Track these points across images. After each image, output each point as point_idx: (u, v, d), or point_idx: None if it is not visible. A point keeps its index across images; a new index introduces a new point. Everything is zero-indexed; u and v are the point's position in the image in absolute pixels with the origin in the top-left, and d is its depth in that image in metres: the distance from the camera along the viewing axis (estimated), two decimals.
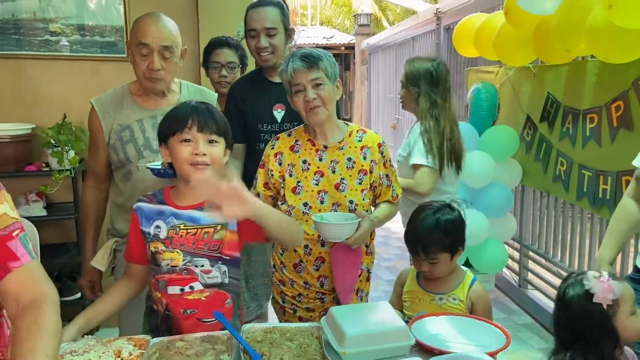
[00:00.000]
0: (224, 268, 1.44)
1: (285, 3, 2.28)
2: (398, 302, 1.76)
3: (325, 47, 10.08)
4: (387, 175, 1.82)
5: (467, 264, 3.54)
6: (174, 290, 1.43)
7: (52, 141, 2.72)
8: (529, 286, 3.68)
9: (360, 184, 1.76)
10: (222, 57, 2.63)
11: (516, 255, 3.81)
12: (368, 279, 1.91)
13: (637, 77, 2.36)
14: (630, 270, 1.83)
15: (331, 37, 10.65)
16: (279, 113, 2.19)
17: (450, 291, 1.65)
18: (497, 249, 3.39)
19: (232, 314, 1.47)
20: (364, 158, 1.78)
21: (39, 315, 1.02)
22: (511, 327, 3.30)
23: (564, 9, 2.48)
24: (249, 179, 1.87)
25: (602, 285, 1.29)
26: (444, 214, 1.69)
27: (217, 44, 2.67)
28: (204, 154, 1.40)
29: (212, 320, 1.42)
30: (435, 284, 1.68)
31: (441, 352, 1.31)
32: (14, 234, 1.10)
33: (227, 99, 2.28)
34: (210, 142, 1.42)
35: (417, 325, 1.47)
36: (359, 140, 1.80)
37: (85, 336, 1.37)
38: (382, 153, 1.81)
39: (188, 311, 1.42)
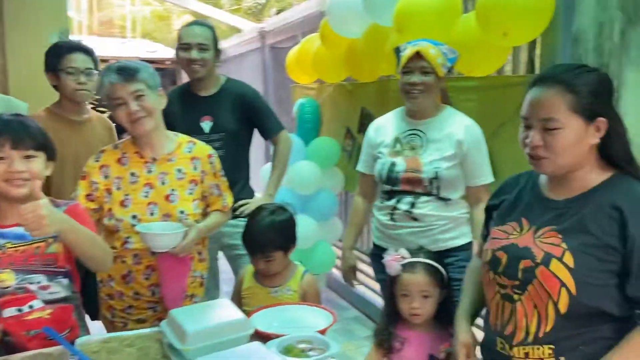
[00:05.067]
0: (66, 281, 1.39)
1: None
2: (239, 300, 1.85)
3: (149, 61, 9.76)
4: (217, 185, 1.89)
5: None
6: (10, 312, 1.34)
7: None
8: (356, 283, 4.03)
9: (191, 194, 1.81)
10: (79, 62, 2.44)
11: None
12: (202, 285, 1.95)
13: None
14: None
15: (154, 52, 10.32)
16: (206, 124, 2.39)
17: (285, 283, 1.81)
18: (326, 250, 3.68)
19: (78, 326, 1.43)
20: (195, 169, 1.83)
21: None
22: (341, 321, 3.59)
23: (368, 34, 2.85)
24: None
25: (388, 260, 1.55)
26: (277, 215, 1.84)
27: (70, 48, 2.44)
28: (22, 171, 1.34)
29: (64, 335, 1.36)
30: (271, 278, 1.81)
31: (277, 336, 1.44)
32: None
33: None
34: (28, 157, 1.37)
35: (256, 316, 1.59)
36: (189, 152, 1.85)
37: None
38: (211, 163, 1.87)
39: (32, 332, 1.35)
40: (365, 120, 3.49)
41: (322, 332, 1.49)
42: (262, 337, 1.47)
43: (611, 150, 1.19)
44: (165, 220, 1.76)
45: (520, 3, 1.98)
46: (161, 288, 1.77)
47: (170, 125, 2.24)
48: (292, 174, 3.55)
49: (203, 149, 1.89)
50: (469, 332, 1.40)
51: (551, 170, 1.21)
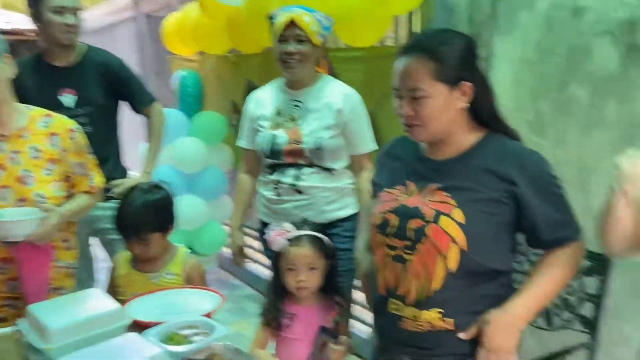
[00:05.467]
0: None
1: None
2: (114, 289, 1.70)
3: (8, 33, 8.69)
4: (82, 164, 1.70)
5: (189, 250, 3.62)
6: None
7: None
8: (249, 261, 3.97)
9: (49, 174, 1.61)
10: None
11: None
12: (71, 275, 1.76)
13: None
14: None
15: (13, 22, 9.23)
16: (68, 98, 2.17)
17: (165, 267, 1.68)
18: (216, 230, 3.55)
19: None
20: (53, 146, 1.63)
21: None
22: (235, 300, 3.52)
23: (250, 2, 2.72)
24: None
25: (272, 236, 1.51)
26: (152, 194, 1.69)
27: None
28: None
29: None
30: (149, 263, 1.68)
31: (157, 324, 1.33)
32: None
33: None
34: None
35: (133, 305, 1.45)
36: (45, 126, 1.64)
37: None
38: (73, 139, 1.67)
39: None
40: (248, 93, 3.38)
41: (209, 315, 1.40)
42: (141, 327, 1.35)
43: (480, 111, 1.23)
44: (20, 206, 1.55)
45: None
46: (21, 282, 1.56)
47: (24, 100, 2.01)
48: (176, 151, 3.36)
49: (63, 123, 1.68)
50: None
51: (424, 137, 1.23)
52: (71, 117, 1.89)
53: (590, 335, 1.62)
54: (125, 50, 5.23)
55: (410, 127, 1.20)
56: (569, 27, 1.77)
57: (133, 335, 1.26)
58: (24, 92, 2.03)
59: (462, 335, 1.18)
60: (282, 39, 1.85)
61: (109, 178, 2.04)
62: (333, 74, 2.60)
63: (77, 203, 1.68)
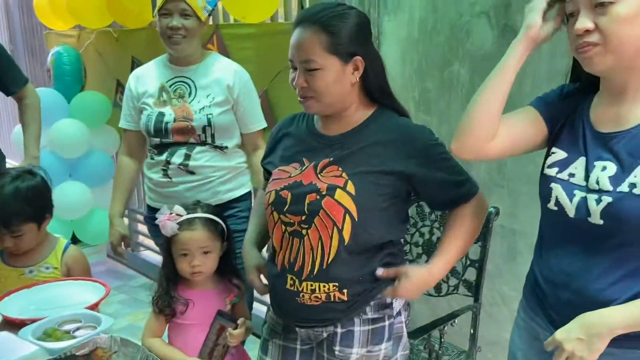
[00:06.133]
0: None
1: None
2: None
3: None
4: None
5: (75, 238, 3.38)
6: None
7: None
8: (141, 248, 3.79)
9: None
10: None
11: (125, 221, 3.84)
12: None
13: None
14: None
15: None
16: None
17: (42, 261, 1.54)
18: (104, 218, 3.32)
19: None
20: None
21: None
22: (128, 290, 3.35)
23: None
24: None
25: (162, 220, 1.44)
26: (24, 180, 1.53)
27: None
28: None
29: None
30: (23, 257, 1.53)
31: (33, 321, 1.21)
32: None
33: None
34: None
35: (4, 303, 1.31)
36: None
37: None
38: None
39: None
40: None
41: (93, 307, 1.30)
42: (15, 325, 1.22)
43: (371, 87, 1.25)
44: None
45: None
46: None
47: None
48: (54, 134, 3.09)
49: None
50: (259, 257, 1.41)
51: (318, 109, 1.23)
52: None
53: (474, 298, 1.74)
54: None
55: (305, 98, 1.20)
56: (450, 8, 1.85)
57: (5, 335, 1.14)
58: None
59: (379, 271, 1.22)
60: (166, 12, 1.75)
61: None
62: (225, 51, 2.54)
63: None
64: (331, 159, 1.22)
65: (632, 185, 0.93)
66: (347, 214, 1.17)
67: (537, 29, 1.03)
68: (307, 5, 2.25)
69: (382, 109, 1.26)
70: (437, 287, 1.84)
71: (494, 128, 1.09)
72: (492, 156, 1.14)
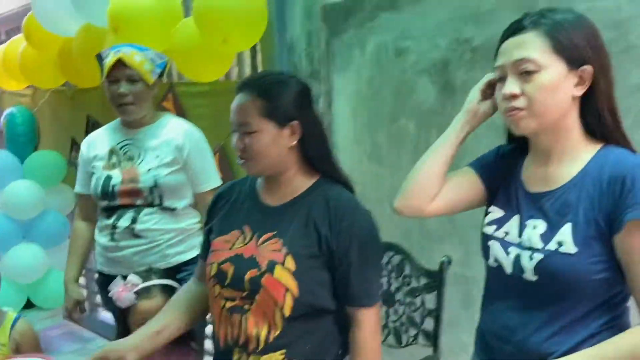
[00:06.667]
0: None
1: None
2: None
3: None
4: None
5: (29, 303, 3.27)
6: None
7: None
8: (99, 309, 3.67)
9: None
10: None
11: (82, 281, 3.73)
12: None
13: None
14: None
15: None
16: None
17: None
18: (59, 280, 3.22)
19: None
20: None
21: None
22: (87, 353, 3.22)
23: (83, 33, 2.56)
24: None
25: (117, 292, 1.42)
26: None
27: None
28: None
29: None
30: None
31: None
32: None
33: None
34: None
35: None
36: None
37: None
38: None
39: None
40: (92, 130, 3.16)
41: None
42: None
43: (309, 152, 1.27)
44: None
45: (236, 10, 2.01)
46: None
47: None
48: (7, 196, 3.03)
49: None
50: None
51: (256, 170, 1.26)
52: None
53: (433, 348, 1.75)
54: None
55: (244, 160, 1.24)
56: (394, 66, 1.94)
57: None
58: None
59: None
60: (112, 80, 1.77)
61: None
62: (180, 108, 2.56)
63: None
64: (273, 231, 1.23)
65: (559, 244, 0.98)
66: (287, 292, 1.18)
67: (474, 104, 1.12)
68: (259, 63, 2.32)
69: (324, 180, 1.28)
70: (398, 338, 1.84)
71: (435, 192, 1.14)
72: (431, 215, 1.19)
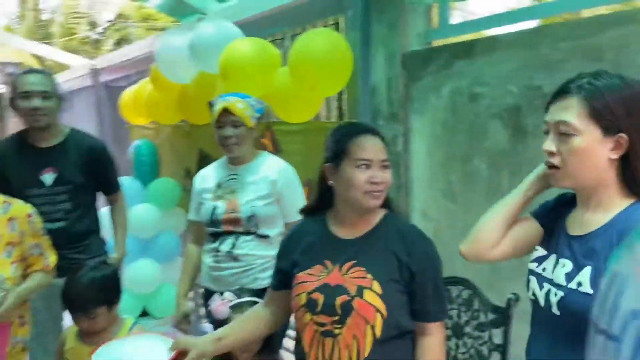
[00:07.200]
0: None
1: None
2: None
3: None
4: (38, 245, 1.86)
5: (144, 312, 3.70)
6: None
7: None
8: (204, 320, 4.04)
9: (9, 257, 1.75)
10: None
11: (190, 294, 4.14)
12: (24, 350, 1.88)
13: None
14: None
15: None
16: (48, 177, 2.29)
17: (111, 339, 1.80)
18: (170, 292, 3.64)
19: None
20: (12, 230, 1.77)
21: None
22: None
23: (198, 80, 2.96)
24: None
25: (215, 306, 1.66)
26: (99, 270, 1.83)
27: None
28: None
29: None
30: (95, 336, 1.79)
31: None
32: None
33: None
34: None
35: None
36: (5, 212, 1.79)
37: None
38: (31, 223, 1.84)
39: None
40: (203, 161, 3.57)
41: None
42: None
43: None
44: None
45: (324, 62, 2.25)
46: None
47: (4, 179, 2.22)
48: (131, 218, 3.45)
49: (21, 208, 1.84)
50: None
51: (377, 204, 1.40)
52: (51, 194, 2.16)
53: None
54: (84, 117, 5.39)
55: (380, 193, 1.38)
56: (468, 110, 2.05)
57: None
58: (6, 172, 2.24)
59: None
60: (220, 124, 2.07)
61: (89, 251, 2.26)
62: (276, 144, 2.85)
63: (33, 282, 1.82)
64: (354, 261, 1.36)
65: (579, 284, 1.06)
66: (377, 312, 1.31)
67: (545, 168, 1.19)
68: (345, 108, 2.54)
69: (390, 213, 1.45)
70: None
71: (495, 242, 1.26)
72: (493, 261, 1.31)
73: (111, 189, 2.54)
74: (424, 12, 2.29)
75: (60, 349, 1.83)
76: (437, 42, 2.28)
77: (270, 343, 1.72)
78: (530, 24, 1.98)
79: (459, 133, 2.10)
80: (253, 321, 1.56)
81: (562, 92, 1.09)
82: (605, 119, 1.03)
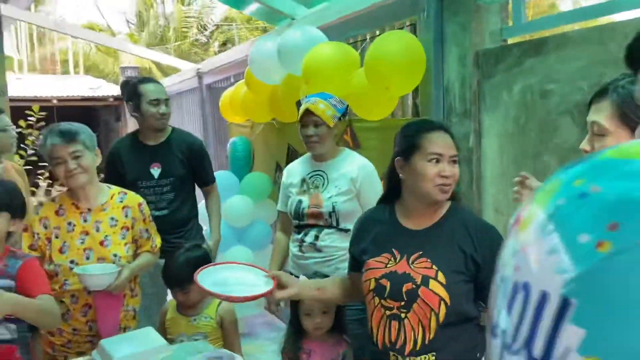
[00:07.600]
0: (13, 326, 1.64)
1: None
2: (163, 330, 2.11)
3: (92, 99, 9.79)
4: (146, 230, 2.17)
5: None
6: None
7: None
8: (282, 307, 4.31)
9: (123, 238, 2.07)
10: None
11: None
12: (134, 317, 2.19)
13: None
14: None
15: (98, 88, 10.37)
16: (155, 171, 2.69)
17: (202, 312, 2.08)
18: None
19: None
20: (126, 216, 2.09)
21: None
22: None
23: (286, 81, 3.20)
24: None
25: None
26: (193, 252, 2.11)
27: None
28: None
29: None
30: (190, 308, 2.08)
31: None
32: None
33: (108, 159, 2.70)
34: None
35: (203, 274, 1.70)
36: (121, 201, 2.12)
37: None
38: (142, 211, 2.15)
39: None
40: (291, 156, 3.82)
41: (260, 296, 1.62)
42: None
43: None
44: (100, 263, 2.00)
45: (399, 62, 2.36)
46: (97, 323, 2.01)
47: (120, 173, 2.65)
48: (227, 208, 3.82)
49: (134, 198, 2.16)
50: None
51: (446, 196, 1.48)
52: (157, 186, 2.55)
53: None
54: (191, 116, 5.89)
55: (448, 187, 1.48)
56: (539, 107, 2.07)
57: None
58: (123, 167, 2.66)
59: None
60: (303, 124, 2.26)
61: (189, 236, 2.66)
62: (356, 140, 3.00)
63: (142, 260, 2.13)
64: (420, 251, 1.46)
65: None
66: (441, 301, 1.41)
67: None
68: (419, 106, 2.63)
69: (455, 205, 1.53)
70: None
71: None
72: None
73: (207, 181, 2.85)
74: (498, 10, 2.31)
75: (161, 319, 2.14)
76: (512, 40, 2.30)
77: (340, 323, 1.89)
78: (602, 20, 1.95)
79: (530, 130, 2.11)
80: (342, 286, 1.74)
81: (600, 93, 1.14)
82: (634, 123, 1.07)
